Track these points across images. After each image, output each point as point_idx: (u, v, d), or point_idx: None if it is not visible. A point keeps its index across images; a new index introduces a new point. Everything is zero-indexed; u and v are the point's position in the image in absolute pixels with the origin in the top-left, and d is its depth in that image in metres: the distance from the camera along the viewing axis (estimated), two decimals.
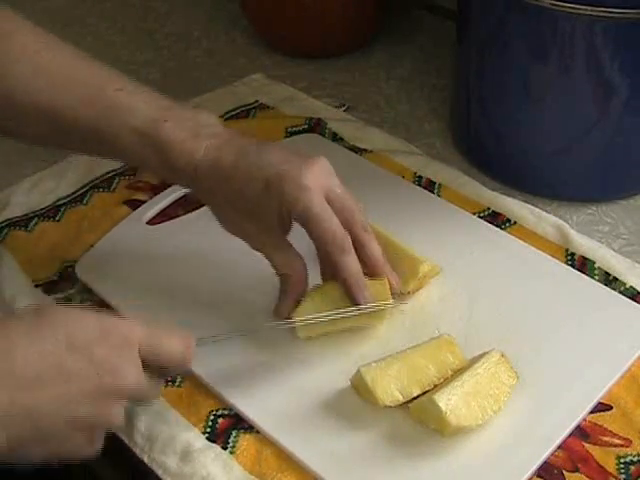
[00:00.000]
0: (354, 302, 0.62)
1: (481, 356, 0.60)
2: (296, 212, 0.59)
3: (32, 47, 0.65)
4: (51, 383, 0.50)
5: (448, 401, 0.56)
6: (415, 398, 0.59)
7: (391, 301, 0.63)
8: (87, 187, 0.82)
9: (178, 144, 0.61)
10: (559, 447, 0.58)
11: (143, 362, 0.53)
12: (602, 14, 0.67)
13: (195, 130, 0.62)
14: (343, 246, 0.60)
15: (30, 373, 0.50)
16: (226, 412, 0.62)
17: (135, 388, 0.53)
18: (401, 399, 0.59)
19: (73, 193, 0.82)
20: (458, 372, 0.60)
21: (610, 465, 0.58)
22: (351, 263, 0.61)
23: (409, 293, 0.68)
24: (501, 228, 0.75)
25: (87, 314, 0.54)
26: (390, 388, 0.59)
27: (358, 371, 0.60)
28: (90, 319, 0.53)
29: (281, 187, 0.59)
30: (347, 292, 0.62)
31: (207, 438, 0.60)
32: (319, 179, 0.60)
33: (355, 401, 0.61)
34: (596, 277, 0.70)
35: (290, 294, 0.63)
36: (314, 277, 0.64)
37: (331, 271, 0.62)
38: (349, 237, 0.61)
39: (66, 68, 0.65)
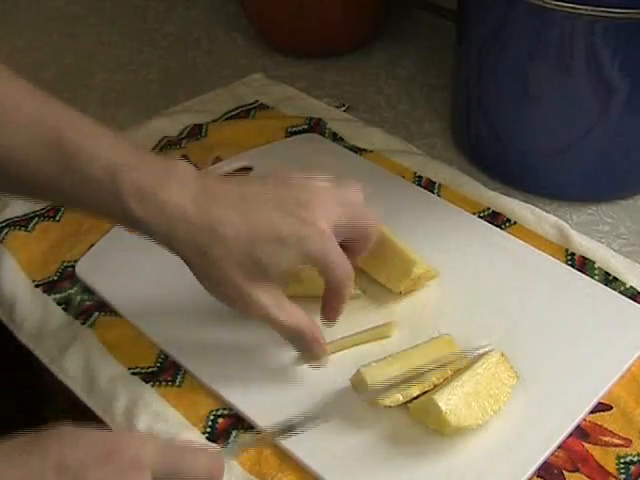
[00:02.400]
0: (327, 316, 0.61)
1: (481, 356, 0.60)
2: (317, 263, 0.57)
3: None
4: None
5: (448, 401, 0.56)
6: (415, 398, 0.59)
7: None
8: None
9: (138, 194, 0.55)
10: (559, 447, 0.58)
11: None
12: (602, 14, 0.67)
13: (161, 178, 0.56)
14: (350, 278, 0.59)
15: None
16: (226, 412, 0.62)
17: None
18: (401, 399, 0.59)
19: None
20: (458, 372, 0.60)
21: (610, 465, 0.57)
22: (347, 296, 0.60)
23: (401, 293, 0.68)
24: (501, 228, 0.75)
25: (88, 432, 0.47)
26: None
27: (358, 371, 0.60)
28: (90, 437, 0.46)
29: (301, 242, 0.55)
30: (325, 306, 0.61)
31: (207, 438, 0.60)
32: (331, 215, 0.56)
33: (355, 401, 0.61)
34: (596, 277, 0.70)
35: (311, 349, 0.60)
36: None
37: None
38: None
39: (26, 109, 0.57)
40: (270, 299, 0.57)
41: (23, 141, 0.56)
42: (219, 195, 0.56)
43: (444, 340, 0.62)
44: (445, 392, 0.57)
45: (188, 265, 0.58)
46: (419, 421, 0.59)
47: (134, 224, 0.57)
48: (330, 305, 0.61)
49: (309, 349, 0.60)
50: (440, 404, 0.56)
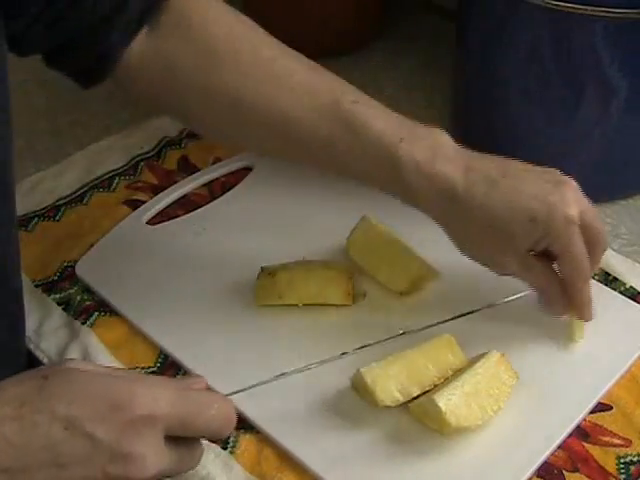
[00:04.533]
0: (583, 317, 0.63)
1: (481, 356, 0.60)
2: (557, 246, 0.60)
3: (265, 54, 0.63)
4: (43, 474, 0.44)
5: (448, 401, 0.56)
6: (415, 398, 0.59)
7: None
8: (87, 187, 0.82)
9: (415, 165, 0.59)
10: (559, 447, 0.58)
11: (171, 436, 0.46)
12: (602, 14, 0.67)
13: (432, 151, 0.60)
14: (586, 277, 0.62)
15: (17, 464, 0.43)
16: None
17: (155, 474, 0.45)
18: (401, 399, 0.59)
19: (73, 193, 0.82)
20: (458, 372, 0.60)
21: (610, 465, 0.57)
22: (587, 292, 0.62)
23: (401, 293, 0.68)
24: None
25: (100, 378, 0.46)
26: (390, 388, 0.58)
27: (358, 371, 0.59)
28: (101, 385, 0.46)
29: (549, 221, 0.58)
30: (577, 313, 0.63)
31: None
32: (578, 207, 0.59)
33: (355, 401, 0.61)
34: (596, 277, 0.70)
35: (550, 306, 0.64)
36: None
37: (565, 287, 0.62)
38: (590, 268, 0.62)
39: (299, 76, 0.63)
40: (515, 264, 0.61)
41: (299, 104, 0.62)
42: (482, 169, 0.60)
43: (444, 340, 0.62)
44: (445, 392, 0.56)
45: (448, 230, 0.63)
46: (419, 421, 0.59)
47: (406, 192, 0.61)
48: (574, 303, 0.63)
49: (549, 305, 0.64)
50: (440, 404, 0.56)
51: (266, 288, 0.67)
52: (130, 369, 0.64)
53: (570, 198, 0.59)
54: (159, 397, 0.46)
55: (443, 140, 0.61)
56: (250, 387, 0.56)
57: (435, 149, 0.60)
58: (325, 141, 0.61)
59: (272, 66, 0.63)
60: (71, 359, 0.50)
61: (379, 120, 0.61)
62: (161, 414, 0.45)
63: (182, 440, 0.48)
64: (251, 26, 0.64)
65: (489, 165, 0.61)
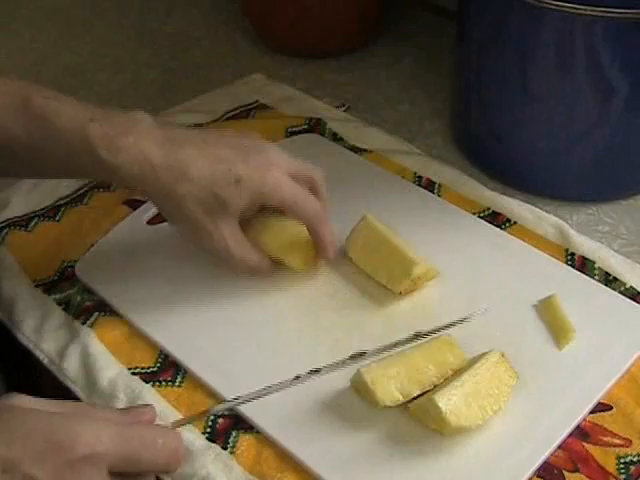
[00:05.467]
0: (322, 255, 0.67)
1: (481, 356, 0.60)
2: (275, 203, 0.63)
3: None
4: None
5: (448, 401, 0.56)
6: (415, 398, 0.59)
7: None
8: (87, 187, 0.82)
9: (107, 141, 0.59)
10: (559, 447, 0.58)
11: (117, 472, 0.46)
12: (602, 14, 0.67)
13: (126, 126, 0.60)
14: (322, 218, 0.65)
15: None
16: (226, 412, 0.62)
17: None
18: (401, 399, 0.59)
19: (73, 193, 0.82)
20: (458, 372, 0.60)
21: (610, 465, 0.57)
22: (328, 231, 0.66)
23: (401, 293, 0.68)
24: (501, 228, 0.75)
25: (39, 416, 0.45)
26: (390, 388, 0.59)
27: (358, 371, 0.60)
28: (41, 423, 0.44)
29: (256, 181, 0.61)
30: (321, 251, 0.67)
31: (207, 438, 0.60)
32: (281, 163, 0.62)
33: (355, 401, 0.61)
34: (596, 277, 0.70)
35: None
36: None
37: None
38: (322, 206, 0.65)
39: None
40: (228, 231, 0.63)
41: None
42: (182, 139, 0.61)
43: (444, 340, 0.62)
44: (445, 392, 0.57)
45: (155, 204, 0.64)
46: (419, 421, 0.59)
47: (104, 171, 0.60)
48: (318, 243, 0.66)
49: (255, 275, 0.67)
50: (440, 404, 0.56)
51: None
52: (130, 369, 0.65)
53: (272, 158, 0.62)
54: (101, 435, 0.45)
55: (140, 117, 0.61)
56: (257, 395, 0.58)
57: (129, 124, 0.60)
58: (22, 139, 0.60)
59: None
60: (14, 394, 0.48)
61: (70, 107, 0.60)
62: (103, 452, 0.44)
63: (131, 476, 0.47)
64: None
65: (188, 134, 0.62)
